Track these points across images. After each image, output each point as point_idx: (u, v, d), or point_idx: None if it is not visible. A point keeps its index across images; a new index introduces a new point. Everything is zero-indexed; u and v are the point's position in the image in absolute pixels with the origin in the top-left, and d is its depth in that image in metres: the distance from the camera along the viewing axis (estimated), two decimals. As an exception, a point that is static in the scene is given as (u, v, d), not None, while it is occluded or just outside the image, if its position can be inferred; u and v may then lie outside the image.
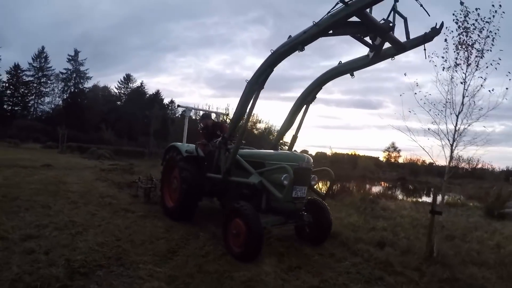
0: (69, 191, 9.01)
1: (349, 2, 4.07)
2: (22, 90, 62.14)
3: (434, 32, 4.95)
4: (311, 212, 6.06)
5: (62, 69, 63.02)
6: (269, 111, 54.66)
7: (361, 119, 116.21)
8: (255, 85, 5.51)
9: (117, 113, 59.35)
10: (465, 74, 5.69)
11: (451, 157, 5.84)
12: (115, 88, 67.84)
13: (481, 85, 5.56)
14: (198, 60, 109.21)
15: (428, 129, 5.96)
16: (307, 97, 6.57)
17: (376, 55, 5.00)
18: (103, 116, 57.48)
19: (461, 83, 5.72)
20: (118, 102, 65.42)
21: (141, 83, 67.81)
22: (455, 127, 5.73)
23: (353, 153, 49.73)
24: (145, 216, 7.00)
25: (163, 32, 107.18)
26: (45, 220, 5.88)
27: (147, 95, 65.57)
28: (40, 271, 3.80)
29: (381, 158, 63.96)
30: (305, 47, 4.81)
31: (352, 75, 5.70)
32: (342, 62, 5.81)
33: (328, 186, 6.85)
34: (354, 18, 4.31)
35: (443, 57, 5.76)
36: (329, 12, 4.29)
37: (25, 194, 7.88)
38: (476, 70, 5.65)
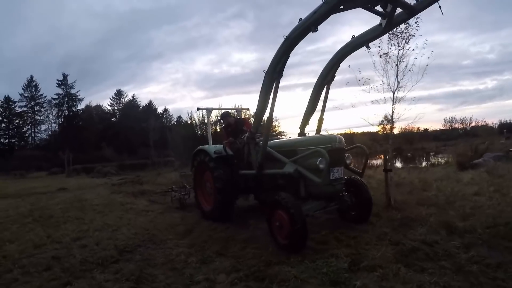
0: (92, 204, 10.61)
1: None
2: (17, 121, 63.88)
3: None
4: (350, 192, 6.14)
5: (54, 94, 64.66)
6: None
7: (355, 97, 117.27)
8: (274, 74, 5.54)
9: (114, 130, 61.14)
10: (397, 57, 7.24)
11: (392, 125, 7.34)
12: (108, 105, 69.67)
13: (405, 66, 7.08)
14: (184, 64, 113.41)
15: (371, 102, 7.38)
16: (326, 77, 6.56)
17: (389, 23, 5.06)
18: (100, 134, 59.25)
19: (396, 65, 7.26)
20: (113, 119, 67.10)
21: (133, 96, 70.10)
22: (393, 101, 7.26)
23: (349, 132, 51.09)
24: (163, 213, 8.68)
25: (146, 41, 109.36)
26: (84, 227, 7.48)
27: (141, 107, 67.52)
28: (98, 254, 5.42)
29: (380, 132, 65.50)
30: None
31: (367, 47, 5.72)
32: (352, 37, 5.87)
33: (363, 162, 6.72)
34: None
35: (379, 46, 7.27)
36: None
37: (57, 213, 9.45)
38: (405, 53, 7.18)
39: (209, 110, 9.26)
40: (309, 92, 6.97)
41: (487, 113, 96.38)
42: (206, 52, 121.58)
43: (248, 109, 12.17)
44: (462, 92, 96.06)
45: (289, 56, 5.42)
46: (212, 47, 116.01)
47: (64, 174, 32.89)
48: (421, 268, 4.17)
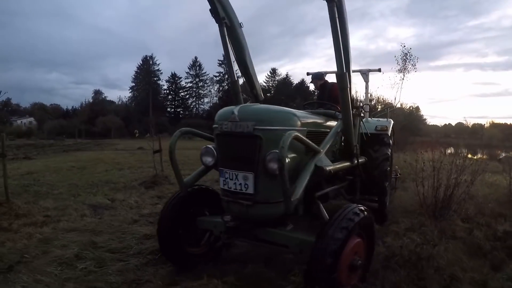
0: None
1: None
2: (182, 94, 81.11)
3: None
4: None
5: (215, 72, 78.40)
6: (419, 84, 55.10)
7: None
8: None
9: (269, 103, 69.64)
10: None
11: None
12: (264, 81, 78.95)
13: None
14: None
15: None
16: None
17: None
18: (256, 107, 68.75)
19: None
20: (268, 94, 75.68)
21: (287, 74, 78.61)
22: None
23: (491, 122, 52.09)
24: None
25: (298, 16, 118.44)
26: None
27: (294, 84, 75.65)
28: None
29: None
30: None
31: None
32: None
33: None
34: None
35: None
36: None
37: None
38: None
39: (320, 74, 7.67)
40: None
41: None
42: (360, 26, 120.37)
43: (379, 70, 9.15)
44: None
45: None
46: (367, 21, 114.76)
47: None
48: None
